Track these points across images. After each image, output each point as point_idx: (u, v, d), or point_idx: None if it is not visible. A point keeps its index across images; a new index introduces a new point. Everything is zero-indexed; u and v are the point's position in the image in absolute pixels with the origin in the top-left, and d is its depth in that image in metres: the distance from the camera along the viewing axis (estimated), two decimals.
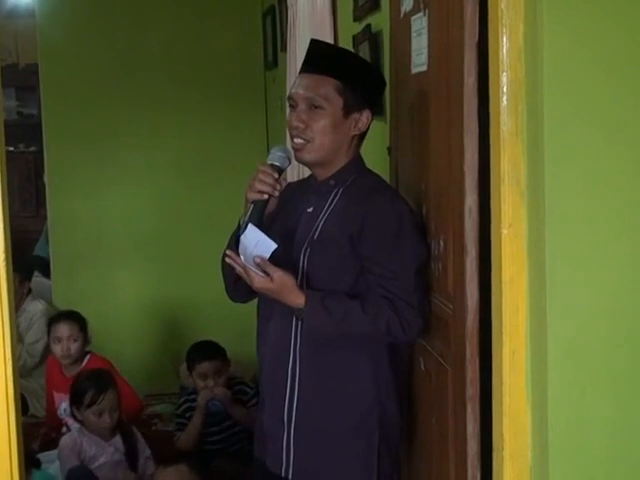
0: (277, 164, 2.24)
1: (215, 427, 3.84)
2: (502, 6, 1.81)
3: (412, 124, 2.49)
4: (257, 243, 2.15)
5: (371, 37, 3.07)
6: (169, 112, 5.24)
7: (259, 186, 2.20)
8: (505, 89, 1.82)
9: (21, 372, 4.42)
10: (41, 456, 3.75)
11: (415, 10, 2.39)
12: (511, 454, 1.87)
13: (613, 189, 1.78)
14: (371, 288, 2.19)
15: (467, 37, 2.02)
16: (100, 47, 5.19)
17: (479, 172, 2.03)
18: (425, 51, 2.31)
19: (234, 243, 2.23)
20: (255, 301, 2.44)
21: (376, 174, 2.39)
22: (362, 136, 2.34)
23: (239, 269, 2.18)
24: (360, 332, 2.18)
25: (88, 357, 4.16)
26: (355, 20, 3.31)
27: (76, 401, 3.55)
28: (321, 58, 2.29)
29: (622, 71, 1.77)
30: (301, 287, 2.20)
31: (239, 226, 2.27)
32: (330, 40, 3.47)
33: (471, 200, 2.04)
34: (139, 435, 3.67)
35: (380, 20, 2.98)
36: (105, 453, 3.51)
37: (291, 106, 2.28)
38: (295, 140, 2.27)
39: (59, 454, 3.54)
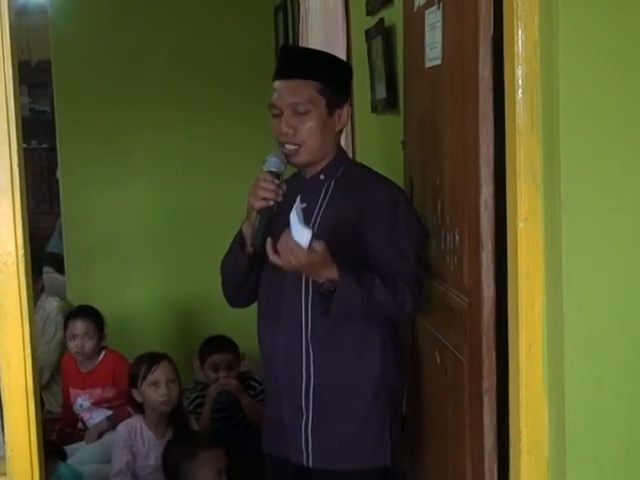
0: (274, 170, 2.28)
1: (232, 420, 3.86)
2: None
3: (426, 118, 2.49)
4: (295, 227, 2.13)
5: (384, 31, 3.07)
6: (181, 109, 5.24)
7: (262, 193, 2.24)
8: (520, 82, 1.82)
9: None
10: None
11: (429, 4, 2.39)
12: (528, 447, 1.88)
13: (629, 182, 1.78)
14: (379, 270, 2.24)
15: (482, 30, 2.02)
16: (113, 44, 5.20)
17: (494, 166, 2.03)
18: (439, 45, 2.31)
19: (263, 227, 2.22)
20: None
21: (360, 163, 2.50)
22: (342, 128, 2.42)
23: (272, 248, 2.14)
24: (382, 303, 2.21)
25: (104, 353, 4.17)
26: (368, 14, 3.31)
27: (134, 381, 3.50)
28: (297, 63, 2.33)
29: (638, 63, 1.76)
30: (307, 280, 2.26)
31: (240, 233, 2.33)
32: (343, 35, 3.47)
33: (487, 193, 2.04)
34: (195, 426, 3.62)
35: (393, 14, 2.98)
36: (155, 452, 3.42)
37: (275, 115, 2.30)
38: (286, 147, 2.30)
39: (113, 445, 3.46)
